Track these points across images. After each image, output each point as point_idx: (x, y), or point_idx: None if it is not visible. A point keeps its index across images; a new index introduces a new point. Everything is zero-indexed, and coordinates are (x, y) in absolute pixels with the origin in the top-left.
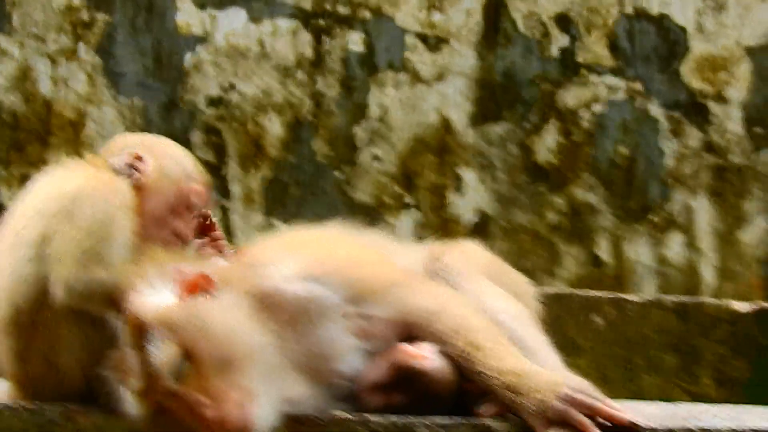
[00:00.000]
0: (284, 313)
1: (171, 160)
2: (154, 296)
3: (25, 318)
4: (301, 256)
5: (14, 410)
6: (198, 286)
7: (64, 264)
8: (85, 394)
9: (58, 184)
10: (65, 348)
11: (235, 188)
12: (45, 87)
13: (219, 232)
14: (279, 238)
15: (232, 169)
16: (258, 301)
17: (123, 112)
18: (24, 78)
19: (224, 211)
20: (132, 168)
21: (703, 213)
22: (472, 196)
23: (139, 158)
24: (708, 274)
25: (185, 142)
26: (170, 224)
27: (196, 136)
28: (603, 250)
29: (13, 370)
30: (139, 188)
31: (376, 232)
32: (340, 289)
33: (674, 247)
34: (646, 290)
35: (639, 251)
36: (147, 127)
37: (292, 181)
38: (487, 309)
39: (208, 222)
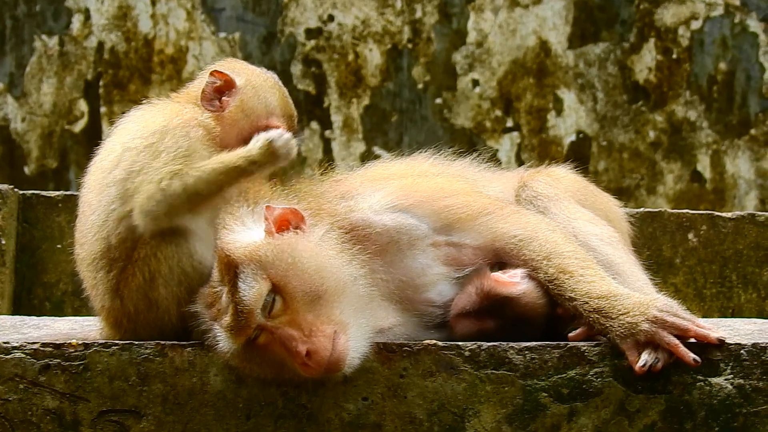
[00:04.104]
0: (374, 245)
1: (254, 94)
2: (244, 233)
3: (119, 253)
4: (389, 187)
5: (108, 349)
6: (287, 222)
7: (141, 194)
8: (179, 330)
9: (143, 122)
10: (162, 282)
11: (336, 118)
12: (145, 25)
13: None
14: (368, 170)
15: (333, 99)
16: (347, 234)
17: (223, 47)
18: (124, 17)
19: (326, 141)
20: (217, 94)
21: None
22: (572, 117)
23: (229, 84)
24: None
25: (285, 75)
26: None
27: (296, 68)
28: (704, 166)
29: (108, 305)
30: (219, 120)
31: (468, 159)
32: (429, 218)
33: None
34: (748, 205)
35: (740, 166)
36: (247, 61)
37: (392, 109)
38: (577, 233)
39: None
